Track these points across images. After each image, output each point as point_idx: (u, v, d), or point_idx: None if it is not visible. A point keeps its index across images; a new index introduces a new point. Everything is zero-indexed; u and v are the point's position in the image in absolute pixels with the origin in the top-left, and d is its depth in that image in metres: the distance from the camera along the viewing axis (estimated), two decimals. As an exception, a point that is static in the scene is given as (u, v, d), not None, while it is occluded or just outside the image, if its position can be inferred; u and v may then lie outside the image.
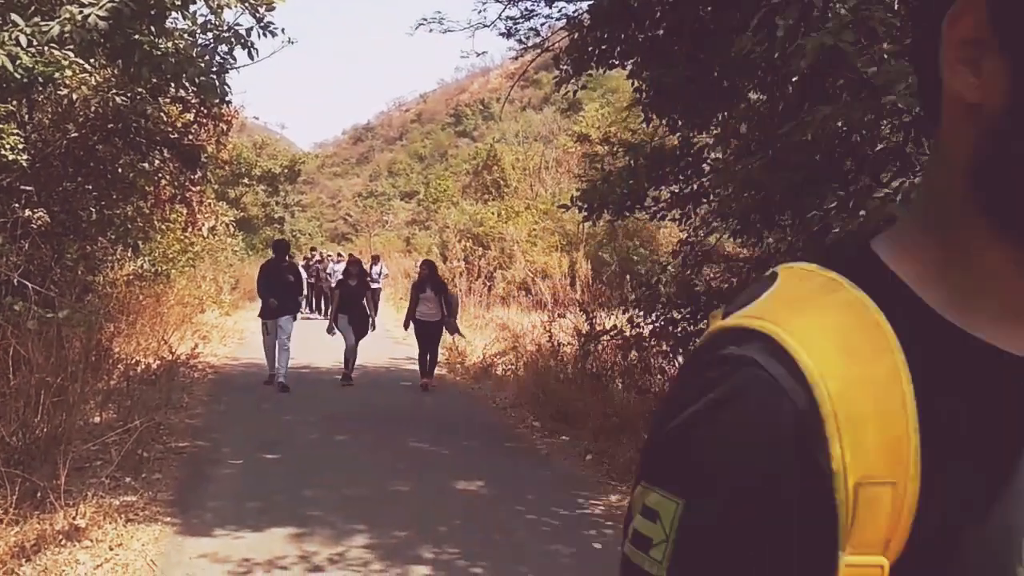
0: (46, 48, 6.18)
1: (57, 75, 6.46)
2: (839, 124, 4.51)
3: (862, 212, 4.06)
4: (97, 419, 7.22)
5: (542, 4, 9.55)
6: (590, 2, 8.14)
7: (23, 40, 6.02)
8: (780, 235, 7.54)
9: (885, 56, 4.17)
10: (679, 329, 7.87)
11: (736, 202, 6.74)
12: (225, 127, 11.03)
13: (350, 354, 11.04)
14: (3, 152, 6.50)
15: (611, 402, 8.25)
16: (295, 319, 10.80)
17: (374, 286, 17.90)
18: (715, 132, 7.77)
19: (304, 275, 16.10)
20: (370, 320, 11.41)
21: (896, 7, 4.87)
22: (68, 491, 5.22)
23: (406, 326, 11.12)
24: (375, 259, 20.88)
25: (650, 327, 8.26)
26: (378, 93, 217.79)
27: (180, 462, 6.78)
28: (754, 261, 8.19)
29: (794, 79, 5.31)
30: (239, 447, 7.36)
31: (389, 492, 6.31)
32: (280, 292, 10.40)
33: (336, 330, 11.09)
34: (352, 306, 11.08)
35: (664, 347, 8.10)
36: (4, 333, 5.64)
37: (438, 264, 26.92)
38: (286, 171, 32.35)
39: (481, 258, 21.44)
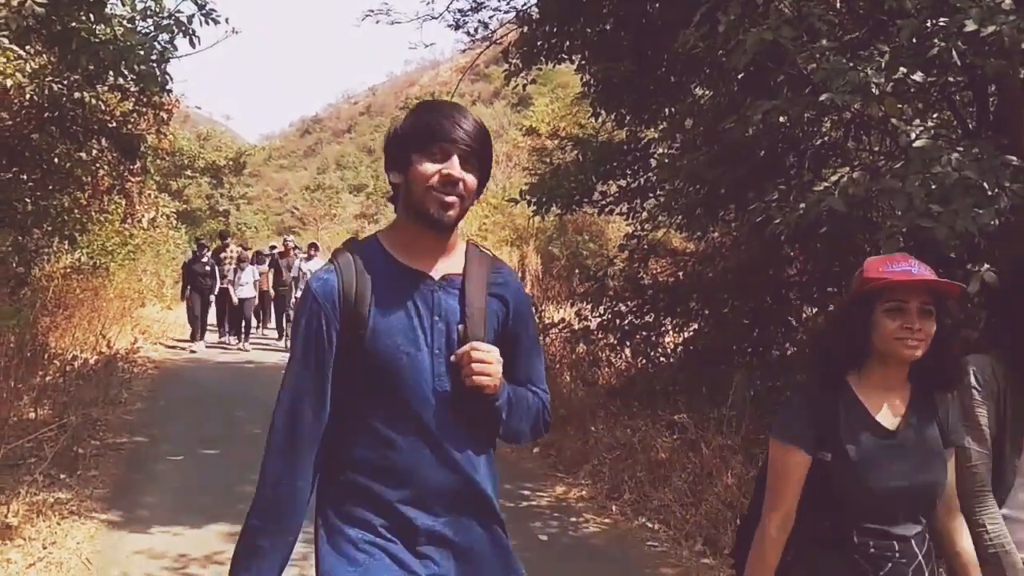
0: (-22, 33, 5.98)
1: (-10, 61, 6.26)
2: (781, 119, 4.57)
3: (802, 205, 4.12)
4: (32, 415, 7.01)
5: (491, -3, 9.54)
6: (539, -5, 8.14)
7: (-47, 25, 5.81)
8: (725, 229, 7.66)
9: (824, 53, 4.23)
10: (626, 322, 7.94)
11: (682, 196, 6.81)
12: (165, 116, 10.78)
13: None
14: (-68, 140, 6.27)
15: (559, 394, 8.27)
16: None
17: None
18: (662, 127, 7.84)
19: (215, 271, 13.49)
20: None
21: (837, 5, 4.97)
22: (0, 489, 5.08)
23: None
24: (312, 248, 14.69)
25: (598, 320, 8.31)
26: (326, 85, 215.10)
27: (117, 458, 6.63)
28: (699, 255, 8.30)
29: (738, 75, 5.37)
30: (178, 443, 7.22)
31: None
32: None
33: None
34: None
35: (612, 340, 8.15)
36: (-69, 327, 5.45)
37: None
38: (231, 163, 31.76)
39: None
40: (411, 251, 1.84)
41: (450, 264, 1.87)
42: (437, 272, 1.85)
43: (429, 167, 1.76)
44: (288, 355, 1.90)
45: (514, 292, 1.95)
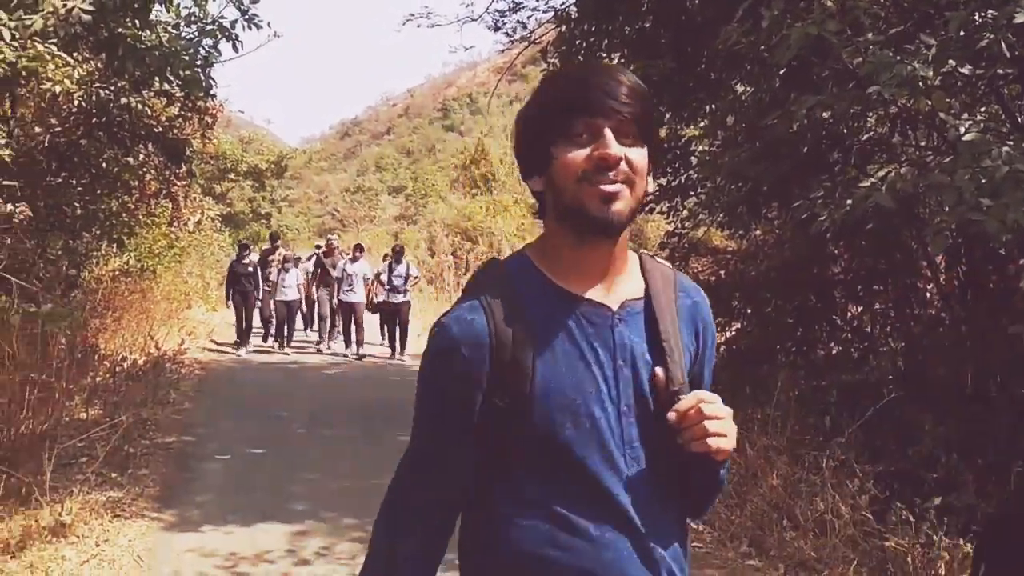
0: (29, 42, 6.11)
1: (41, 69, 6.40)
2: (825, 115, 4.51)
3: (848, 201, 4.06)
4: (83, 415, 7.16)
5: (529, -3, 9.56)
6: (577, -6, 8.13)
7: (6, 34, 5.94)
8: (768, 227, 7.57)
9: (870, 47, 4.17)
10: (667, 321, 7.88)
11: (723, 194, 6.76)
12: (210, 121, 10.95)
13: None
14: (-14, 147, 6.44)
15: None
16: None
17: (399, 299, 13.01)
18: (703, 124, 7.78)
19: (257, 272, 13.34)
20: None
21: (881, -2, 4.89)
22: (54, 487, 5.19)
23: None
24: (397, 254, 13.47)
25: (638, 320, 8.27)
26: (365, 88, 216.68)
27: (167, 457, 6.73)
28: (741, 253, 8.22)
29: (781, 70, 5.31)
30: (226, 442, 7.32)
31: (375, 486, 6.23)
32: None
33: None
34: None
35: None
36: (-12, 329, 5.60)
37: (423, 257, 26.49)
38: (273, 166, 32.21)
39: (469, 252, 21.39)
40: (573, 272, 1.34)
41: (626, 286, 1.38)
42: (612, 299, 1.35)
43: (576, 154, 1.27)
44: (414, 415, 1.41)
45: (705, 317, 1.45)
